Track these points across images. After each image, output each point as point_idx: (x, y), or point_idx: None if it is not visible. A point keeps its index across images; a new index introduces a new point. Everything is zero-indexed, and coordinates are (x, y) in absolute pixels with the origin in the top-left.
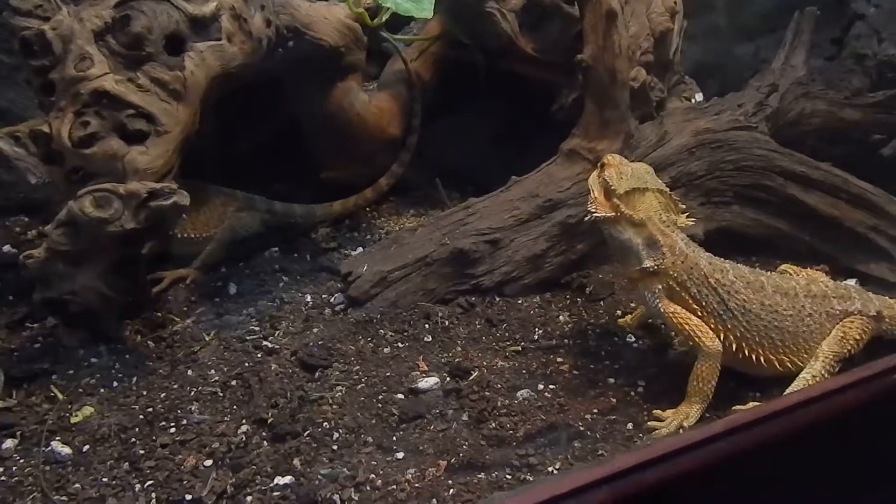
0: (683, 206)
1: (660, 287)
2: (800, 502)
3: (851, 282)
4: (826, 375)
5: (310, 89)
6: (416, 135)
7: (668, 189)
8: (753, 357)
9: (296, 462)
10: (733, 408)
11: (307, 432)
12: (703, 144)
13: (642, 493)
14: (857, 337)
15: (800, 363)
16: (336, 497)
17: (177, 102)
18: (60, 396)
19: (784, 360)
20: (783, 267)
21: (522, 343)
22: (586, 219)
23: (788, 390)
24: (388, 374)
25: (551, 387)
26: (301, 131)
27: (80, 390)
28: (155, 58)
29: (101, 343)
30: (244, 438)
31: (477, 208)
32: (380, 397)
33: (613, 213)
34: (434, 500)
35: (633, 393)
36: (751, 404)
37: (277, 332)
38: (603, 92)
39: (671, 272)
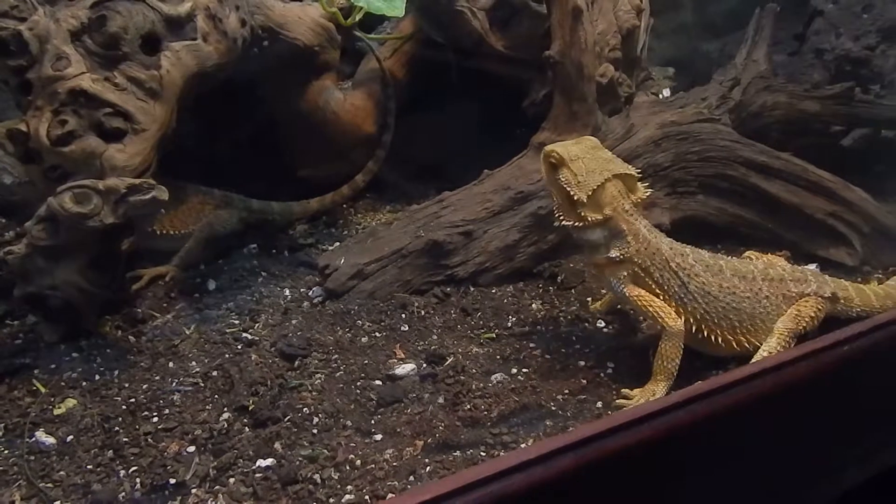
0: (636, 173)
1: (625, 273)
2: (753, 467)
3: (812, 266)
4: (781, 351)
5: (285, 88)
6: (391, 132)
7: (616, 161)
8: (712, 337)
9: (277, 445)
10: (696, 384)
11: (287, 417)
12: (669, 136)
13: (605, 459)
14: (812, 315)
15: (757, 343)
16: (317, 476)
17: (153, 101)
18: (43, 390)
19: (742, 341)
20: (747, 253)
21: (496, 330)
22: (555, 224)
23: None
24: (366, 361)
25: (524, 370)
26: (278, 130)
27: (63, 384)
28: (131, 57)
29: (82, 338)
30: (226, 425)
31: (451, 201)
32: (358, 384)
33: (581, 224)
34: (412, 476)
35: (602, 374)
36: None
37: (257, 325)
38: (570, 86)
39: (636, 259)
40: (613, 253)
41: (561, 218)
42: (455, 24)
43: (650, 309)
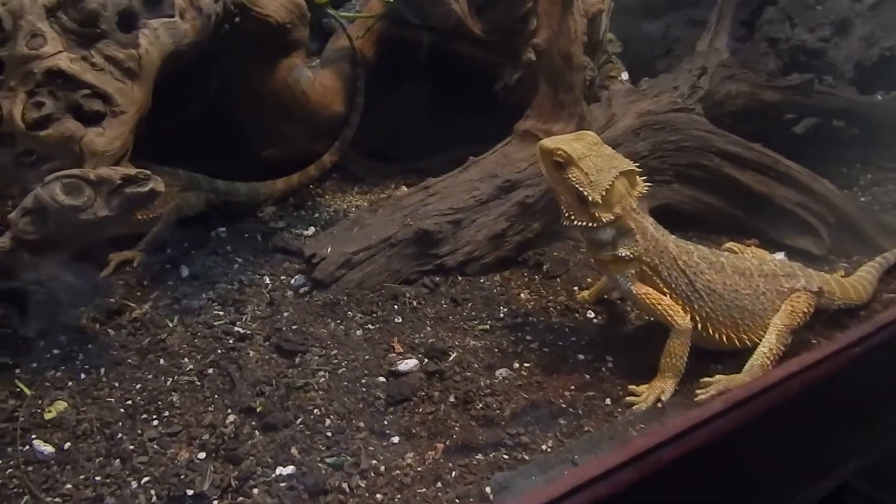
0: (637, 168)
1: (633, 271)
2: (791, 465)
3: (780, 255)
4: (780, 347)
5: (255, 66)
6: (359, 112)
7: (619, 157)
8: (717, 336)
9: (293, 451)
10: (701, 380)
11: (299, 420)
12: (647, 126)
13: (661, 470)
14: (805, 310)
15: (756, 339)
16: (345, 485)
17: (131, 82)
18: (28, 391)
19: (743, 338)
20: (727, 245)
21: (489, 322)
22: (564, 223)
23: (748, 363)
24: (366, 357)
25: (526, 365)
26: (242, 109)
27: (48, 384)
28: (109, 35)
29: (60, 333)
30: (234, 429)
31: (436, 188)
32: (363, 381)
33: (595, 224)
34: (438, 483)
35: (603, 368)
36: (717, 376)
37: (245, 317)
38: (557, 75)
39: (644, 258)
40: (622, 251)
41: (572, 218)
42: (435, 6)
43: (659, 307)
